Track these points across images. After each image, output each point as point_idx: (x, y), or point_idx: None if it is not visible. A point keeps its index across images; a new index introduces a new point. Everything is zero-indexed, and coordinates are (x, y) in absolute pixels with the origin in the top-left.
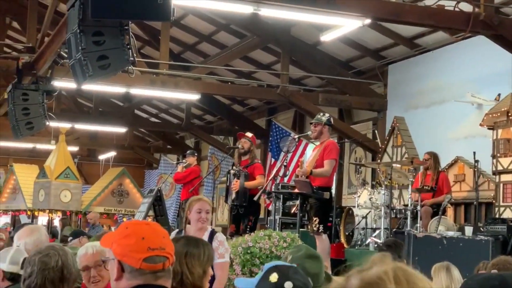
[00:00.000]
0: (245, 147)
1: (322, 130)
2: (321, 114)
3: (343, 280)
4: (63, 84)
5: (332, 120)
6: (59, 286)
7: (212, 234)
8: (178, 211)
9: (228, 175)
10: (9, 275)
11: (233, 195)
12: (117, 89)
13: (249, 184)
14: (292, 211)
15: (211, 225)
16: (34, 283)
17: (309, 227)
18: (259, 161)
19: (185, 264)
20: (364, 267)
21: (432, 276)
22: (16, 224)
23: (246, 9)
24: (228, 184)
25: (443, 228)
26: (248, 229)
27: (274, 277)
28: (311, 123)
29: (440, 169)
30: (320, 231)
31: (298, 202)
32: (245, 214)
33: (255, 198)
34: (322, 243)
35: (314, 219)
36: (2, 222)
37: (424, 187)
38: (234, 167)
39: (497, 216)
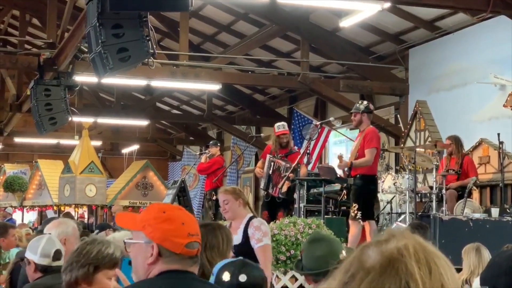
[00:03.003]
0: (286, 141)
1: (362, 119)
2: (360, 102)
3: (358, 252)
4: (84, 78)
5: (371, 106)
6: (88, 273)
7: (249, 221)
8: (203, 202)
9: (273, 164)
10: (40, 267)
11: (284, 189)
12: (138, 82)
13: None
14: (340, 199)
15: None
16: (66, 263)
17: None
18: (298, 150)
19: (205, 257)
20: (381, 238)
21: (463, 257)
22: (43, 219)
23: None
24: (270, 173)
25: (469, 211)
26: (289, 216)
27: (226, 276)
28: (350, 113)
29: (464, 152)
30: (357, 217)
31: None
32: (284, 203)
33: (279, 186)
34: (357, 229)
35: (354, 205)
36: (29, 218)
37: (449, 171)
38: (272, 156)
39: None
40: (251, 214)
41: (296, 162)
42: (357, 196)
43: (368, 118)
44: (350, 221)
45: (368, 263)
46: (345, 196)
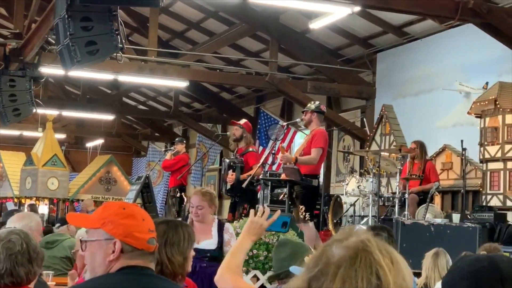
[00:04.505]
0: (237, 134)
1: (311, 118)
2: (312, 102)
3: (321, 250)
4: (50, 70)
5: (323, 108)
6: (29, 267)
7: (221, 226)
8: (166, 199)
9: (223, 163)
10: None
11: (228, 186)
12: (105, 76)
13: (245, 176)
14: (280, 198)
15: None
16: (4, 269)
17: (293, 214)
18: (255, 149)
19: (164, 254)
20: (340, 237)
21: (423, 262)
22: (2, 211)
23: None
24: (223, 173)
25: (430, 216)
26: (243, 217)
27: None
28: (302, 112)
29: (427, 158)
30: (306, 219)
31: (286, 189)
32: (240, 202)
33: (244, 185)
34: (309, 231)
35: (301, 207)
36: None
37: (412, 176)
38: (232, 156)
39: (484, 204)
40: (216, 217)
41: (255, 170)
42: (302, 198)
43: (318, 119)
44: (301, 224)
45: (336, 258)
46: (285, 195)
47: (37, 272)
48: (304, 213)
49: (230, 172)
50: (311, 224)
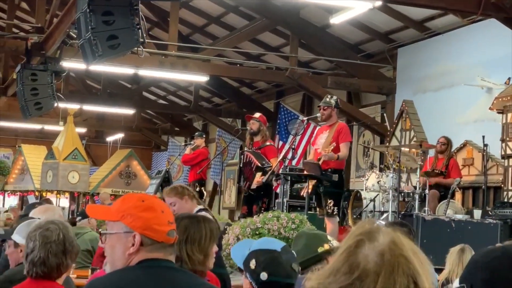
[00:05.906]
0: (254, 128)
1: (331, 113)
2: (329, 96)
3: (349, 252)
4: (71, 64)
5: (339, 102)
6: (62, 258)
7: None
8: None
9: (243, 157)
10: None
11: (254, 186)
12: (126, 70)
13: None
14: (302, 194)
15: (219, 206)
16: (37, 257)
17: (318, 210)
18: (272, 143)
19: (184, 251)
20: (366, 236)
21: (447, 257)
22: (24, 205)
23: None
24: (241, 166)
25: (451, 212)
26: (262, 211)
27: (252, 264)
28: (319, 106)
29: (451, 154)
30: (334, 213)
31: (306, 184)
32: (258, 197)
33: (263, 180)
34: (335, 225)
35: (329, 201)
36: (9, 203)
37: (434, 171)
38: (246, 149)
39: (505, 200)
40: (198, 207)
41: (275, 165)
42: (331, 192)
43: (336, 113)
44: (326, 218)
45: (372, 264)
46: (309, 191)
47: (69, 266)
48: (332, 208)
49: (259, 174)
50: (337, 218)
